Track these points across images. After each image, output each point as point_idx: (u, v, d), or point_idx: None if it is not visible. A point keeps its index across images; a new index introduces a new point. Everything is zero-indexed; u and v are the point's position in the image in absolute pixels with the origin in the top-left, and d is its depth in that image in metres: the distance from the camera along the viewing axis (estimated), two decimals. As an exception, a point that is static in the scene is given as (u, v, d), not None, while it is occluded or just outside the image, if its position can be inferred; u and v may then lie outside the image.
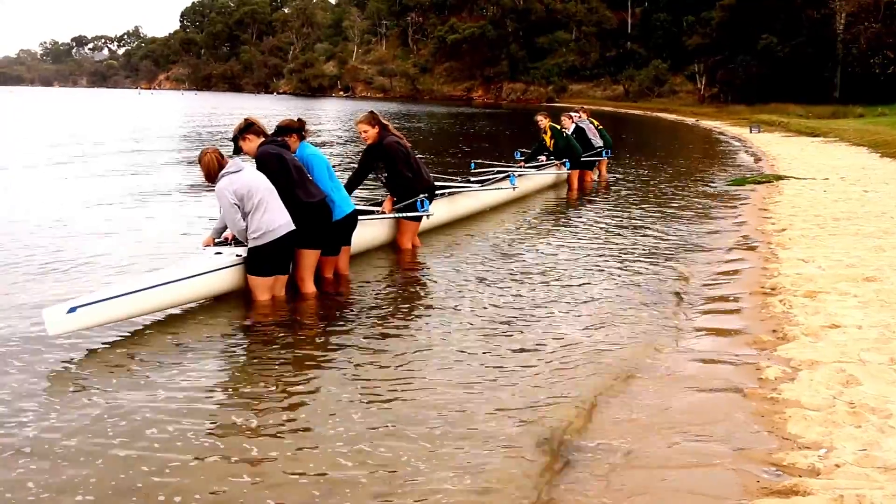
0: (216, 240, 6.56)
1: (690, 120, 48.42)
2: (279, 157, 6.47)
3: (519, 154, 14.37)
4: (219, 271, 6.17)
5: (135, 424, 4.02)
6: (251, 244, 6.17)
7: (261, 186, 6.20)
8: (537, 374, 4.82)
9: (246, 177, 6.18)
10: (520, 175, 12.29)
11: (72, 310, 5.13)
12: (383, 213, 8.32)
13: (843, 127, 30.31)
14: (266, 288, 6.31)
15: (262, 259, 6.21)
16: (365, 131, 8.21)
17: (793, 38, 52.75)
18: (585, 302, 6.49)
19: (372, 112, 8.32)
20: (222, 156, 6.23)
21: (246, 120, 6.70)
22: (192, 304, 6.12)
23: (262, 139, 6.60)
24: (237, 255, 6.29)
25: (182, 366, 4.91)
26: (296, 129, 6.97)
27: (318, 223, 6.58)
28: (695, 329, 5.78)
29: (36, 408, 4.23)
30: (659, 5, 75.97)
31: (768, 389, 4.46)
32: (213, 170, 6.18)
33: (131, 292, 5.53)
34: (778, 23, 53.87)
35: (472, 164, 12.86)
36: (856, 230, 9.15)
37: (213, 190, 6.26)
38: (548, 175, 13.66)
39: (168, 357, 5.07)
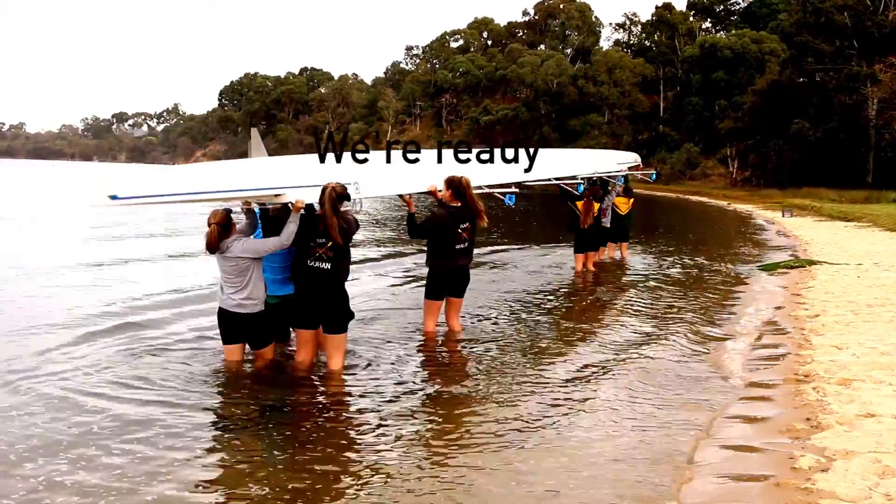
0: None
1: (723, 203, 48.39)
2: None
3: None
4: None
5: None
6: None
7: None
8: (564, 467, 4.83)
9: None
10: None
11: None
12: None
13: (877, 212, 30.12)
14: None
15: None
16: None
17: (825, 123, 52.80)
18: (616, 388, 6.49)
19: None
20: None
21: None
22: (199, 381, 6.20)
23: None
24: None
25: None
26: None
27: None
28: (727, 416, 5.74)
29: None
30: (691, 90, 76.49)
31: (802, 479, 4.41)
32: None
33: None
34: (810, 107, 54.03)
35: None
36: (890, 317, 9.06)
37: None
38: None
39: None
